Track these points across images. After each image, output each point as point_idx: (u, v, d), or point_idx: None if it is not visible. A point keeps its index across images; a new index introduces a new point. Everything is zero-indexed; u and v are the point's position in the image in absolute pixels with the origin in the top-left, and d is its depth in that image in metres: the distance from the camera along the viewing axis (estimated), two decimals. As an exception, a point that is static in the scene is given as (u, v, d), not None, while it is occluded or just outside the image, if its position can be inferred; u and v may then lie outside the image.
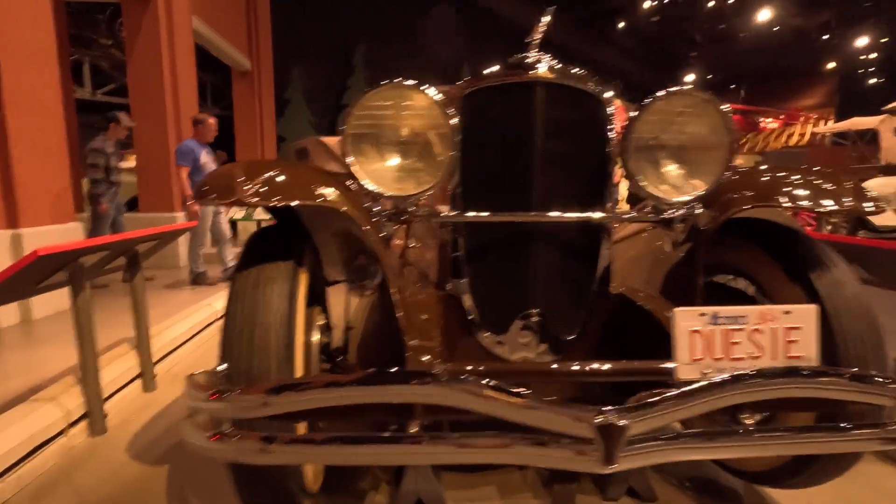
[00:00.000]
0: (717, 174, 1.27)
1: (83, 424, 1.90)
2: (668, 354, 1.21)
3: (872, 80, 24.52)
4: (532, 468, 1.65)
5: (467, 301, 1.40)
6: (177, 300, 3.97)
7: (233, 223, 7.63)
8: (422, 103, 1.23)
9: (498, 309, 1.39)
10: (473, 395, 0.85)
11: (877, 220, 6.50)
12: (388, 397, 0.87)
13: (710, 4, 17.36)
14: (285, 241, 1.27)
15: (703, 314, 0.99)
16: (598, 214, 1.35)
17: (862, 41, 20.41)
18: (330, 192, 1.18)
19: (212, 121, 4.59)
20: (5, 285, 1.45)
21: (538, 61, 1.33)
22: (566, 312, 1.40)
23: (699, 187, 1.28)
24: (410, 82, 1.22)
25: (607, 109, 1.37)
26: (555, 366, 1.17)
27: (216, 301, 3.49)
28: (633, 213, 1.44)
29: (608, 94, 1.38)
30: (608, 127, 1.37)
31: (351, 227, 1.60)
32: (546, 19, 1.45)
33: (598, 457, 0.83)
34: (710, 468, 1.60)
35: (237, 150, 9.26)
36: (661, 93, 1.26)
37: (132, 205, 7.54)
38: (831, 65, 22.81)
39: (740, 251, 1.43)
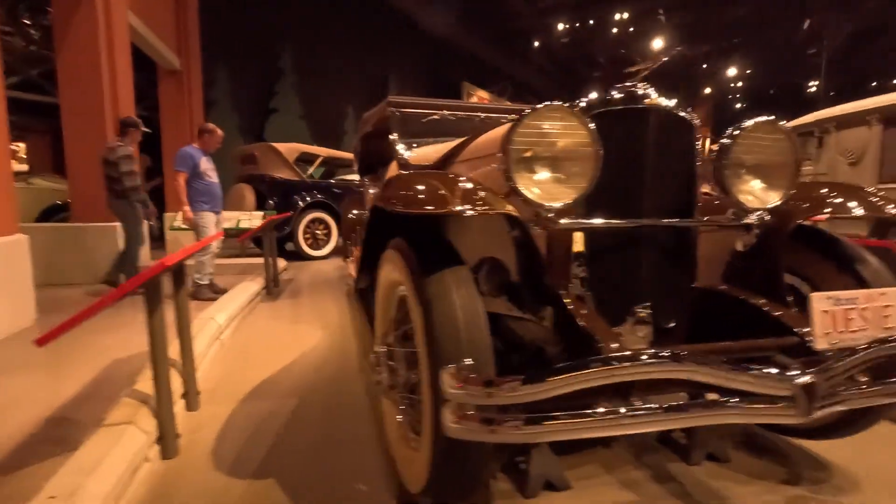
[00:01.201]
0: (788, 187, 1.58)
1: (155, 448, 1.78)
2: (752, 334, 1.50)
3: (738, 105, 28.64)
4: (619, 445, 1.86)
5: (588, 298, 1.57)
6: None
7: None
8: (575, 124, 1.39)
9: (614, 305, 1.58)
10: (705, 368, 1.04)
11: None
12: (641, 375, 1.03)
13: (614, 31, 19.16)
14: (447, 246, 1.37)
15: (829, 297, 1.26)
16: (703, 219, 1.61)
17: (731, 71, 23.67)
18: (503, 202, 1.31)
19: (219, 131, 4.52)
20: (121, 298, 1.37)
21: (647, 91, 1.56)
22: (667, 305, 1.63)
23: (775, 198, 1.59)
24: (567, 105, 1.39)
25: (696, 132, 1.64)
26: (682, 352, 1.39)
27: (217, 314, 3.30)
28: (722, 219, 1.70)
29: (696, 120, 1.64)
30: (696, 146, 1.63)
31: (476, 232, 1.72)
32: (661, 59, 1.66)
33: (800, 410, 1.06)
34: (755, 431, 1.93)
35: (164, 153, 8.55)
36: (749, 122, 1.55)
37: (48, 214, 6.73)
38: (708, 90, 26.23)
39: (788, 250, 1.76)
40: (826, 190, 1.66)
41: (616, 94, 1.56)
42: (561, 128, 1.40)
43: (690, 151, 1.62)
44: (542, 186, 1.42)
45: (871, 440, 1.85)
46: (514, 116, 3.84)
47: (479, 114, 3.24)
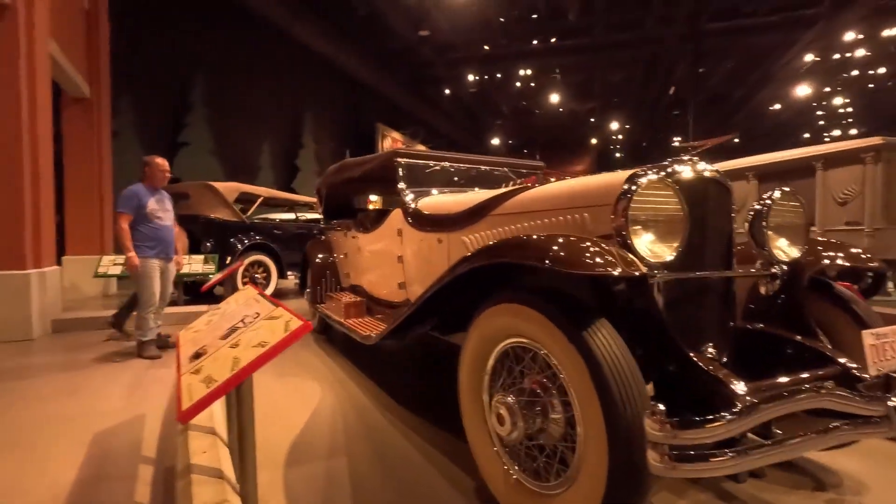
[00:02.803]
0: (804, 243, 1.97)
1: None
2: (780, 365, 1.81)
3: (618, 154, 32.56)
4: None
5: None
6: (145, 379, 3.28)
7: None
8: (671, 194, 1.64)
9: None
10: (836, 398, 1.30)
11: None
12: (802, 406, 1.25)
13: (517, 84, 20.93)
14: (577, 299, 1.52)
15: (873, 333, 1.60)
16: (751, 269, 1.92)
17: (613, 125, 26.93)
18: (634, 261, 1.49)
19: (159, 161, 4.02)
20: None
21: (700, 163, 1.87)
22: (722, 344, 1.90)
23: (795, 252, 1.96)
24: (670, 179, 1.64)
25: (733, 197, 1.97)
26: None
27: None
28: (754, 270, 2.03)
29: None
30: (733, 207, 1.97)
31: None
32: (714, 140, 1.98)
33: (893, 426, 1.35)
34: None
35: (67, 187, 7.58)
36: (777, 193, 1.93)
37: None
38: (594, 140, 29.50)
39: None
40: (823, 247, 2.08)
41: (686, 168, 1.84)
42: (661, 196, 1.65)
43: (730, 211, 1.96)
44: (648, 245, 1.64)
45: (850, 450, 2.27)
46: (504, 169, 4.08)
47: (479, 166, 3.47)
